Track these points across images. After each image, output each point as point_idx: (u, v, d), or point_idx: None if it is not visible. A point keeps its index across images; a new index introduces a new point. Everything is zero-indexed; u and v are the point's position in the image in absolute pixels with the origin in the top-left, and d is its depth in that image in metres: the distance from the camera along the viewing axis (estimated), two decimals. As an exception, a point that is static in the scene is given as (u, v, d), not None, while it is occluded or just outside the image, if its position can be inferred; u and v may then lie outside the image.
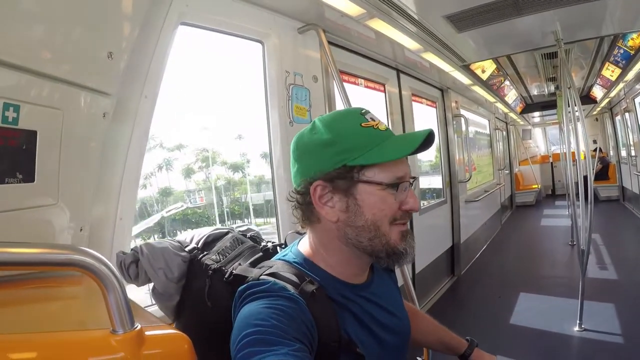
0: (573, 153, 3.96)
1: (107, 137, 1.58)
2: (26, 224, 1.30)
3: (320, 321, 0.96)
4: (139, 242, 1.71)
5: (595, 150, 11.49)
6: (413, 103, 4.76)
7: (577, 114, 3.86)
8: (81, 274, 0.78)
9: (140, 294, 1.58)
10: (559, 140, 8.83)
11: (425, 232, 4.73)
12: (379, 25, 3.01)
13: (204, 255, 1.34)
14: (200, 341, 0.94)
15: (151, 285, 1.36)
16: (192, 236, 1.45)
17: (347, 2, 2.52)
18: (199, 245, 1.39)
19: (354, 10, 2.66)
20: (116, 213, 1.70)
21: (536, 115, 12.42)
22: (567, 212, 7.94)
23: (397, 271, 2.37)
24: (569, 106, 3.95)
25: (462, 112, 6.25)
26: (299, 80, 2.64)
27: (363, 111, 1.10)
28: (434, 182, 5.81)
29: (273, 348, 0.79)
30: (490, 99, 7.60)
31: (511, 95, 8.36)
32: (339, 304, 1.06)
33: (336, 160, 1.03)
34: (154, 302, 1.41)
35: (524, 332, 3.84)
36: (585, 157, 3.88)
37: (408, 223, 1.11)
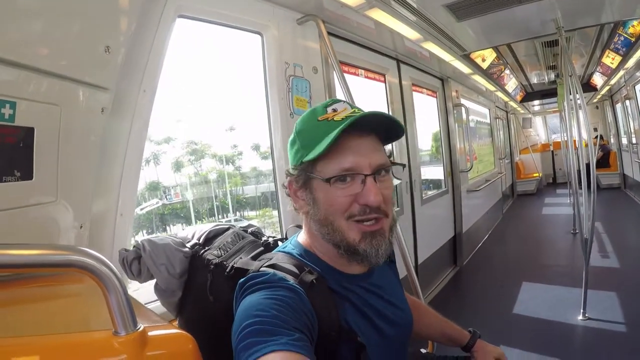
0: (575, 141, 3.94)
1: (106, 132, 1.56)
2: (25, 222, 1.29)
3: (320, 311, 0.97)
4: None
5: (596, 137, 11.45)
6: (413, 93, 4.74)
7: (578, 101, 3.83)
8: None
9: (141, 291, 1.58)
10: (560, 128, 8.81)
11: (427, 222, 4.71)
12: (379, 15, 2.98)
13: (205, 251, 1.35)
14: (203, 336, 0.94)
15: (154, 281, 1.37)
16: (194, 232, 1.46)
17: (346, -8, 2.49)
18: (200, 241, 1.40)
19: (353, 0, 2.63)
20: (116, 209, 1.70)
21: (536, 104, 12.40)
22: (569, 201, 7.96)
23: (400, 262, 2.39)
24: (570, 94, 3.92)
25: (463, 101, 6.23)
26: (298, 71, 2.62)
27: (329, 103, 1.11)
28: (430, 172, 5.79)
29: (273, 338, 0.80)
30: (491, 87, 7.57)
31: (511, 84, 8.33)
32: (339, 294, 1.07)
33: (297, 158, 1.09)
34: (156, 298, 1.42)
35: (527, 321, 3.82)
36: (587, 145, 3.86)
37: (386, 222, 1.08)
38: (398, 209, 4.08)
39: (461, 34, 4.04)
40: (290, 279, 0.99)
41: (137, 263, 1.34)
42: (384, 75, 4.12)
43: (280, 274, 1.01)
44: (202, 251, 1.35)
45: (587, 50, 6.42)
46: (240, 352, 0.80)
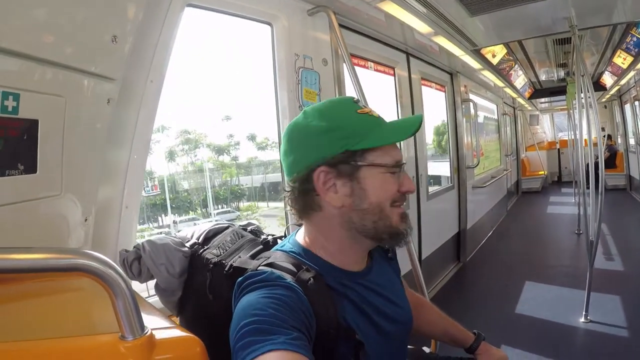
0: (585, 140, 3.90)
1: (112, 124, 1.54)
2: (30, 216, 1.28)
3: (318, 309, 0.97)
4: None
5: (604, 137, 11.40)
6: (422, 87, 4.71)
7: (589, 100, 3.80)
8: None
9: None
10: (568, 126, 8.76)
11: (432, 217, 4.70)
12: (390, 7, 2.96)
13: (204, 250, 1.36)
14: (203, 334, 0.93)
15: (154, 281, 1.39)
16: (193, 232, 1.47)
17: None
18: (199, 240, 1.42)
19: (366, -9, 2.60)
20: (122, 202, 1.69)
21: (544, 101, 12.33)
22: (574, 200, 7.92)
23: (406, 258, 2.37)
24: (581, 92, 3.88)
25: (471, 96, 6.20)
26: (308, 63, 2.59)
27: (355, 99, 1.15)
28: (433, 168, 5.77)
29: (271, 337, 0.80)
30: (500, 83, 7.54)
31: (520, 80, 8.28)
32: (337, 291, 1.07)
33: (338, 146, 1.06)
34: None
35: (529, 321, 3.81)
36: (597, 145, 3.83)
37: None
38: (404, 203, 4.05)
39: (472, 29, 4.01)
40: (288, 278, 0.99)
41: (137, 263, 1.36)
42: (393, 69, 4.09)
43: (277, 272, 1.01)
44: (201, 250, 1.37)
45: (598, 49, 6.36)
46: (238, 351, 0.80)
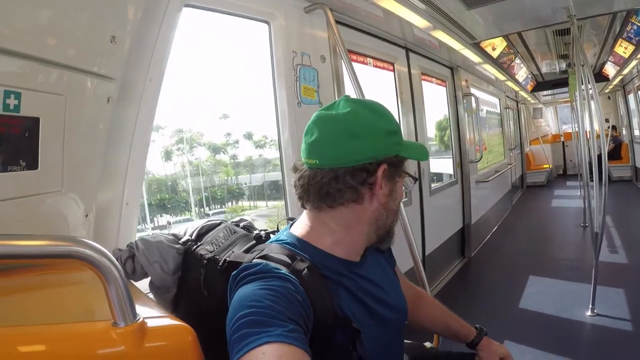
0: (587, 132, 3.89)
1: (112, 122, 1.56)
2: (31, 211, 1.29)
3: (314, 299, 0.98)
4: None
5: (609, 128, 11.33)
6: (423, 82, 4.70)
7: (590, 92, 3.79)
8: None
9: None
10: (571, 119, 8.72)
11: (435, 213, 4.70)
12: (387, 2, 2.96)
13: (198, 246, 1.37)
14: (199, 330, 0.94)
15: (148, 279, 1.40)
16: (186, 229, 1.49)
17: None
18: (192, 237, 1.43)
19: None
20: (122, 198, 1.70)
21: (547, 94, 12.27)
22: (579, 193, 7.89)
23: (408, 253, 2.37)
24: (582, 84, 3.87)
25: (473, 90, 6.18)
26: (306, 60, 2.60)
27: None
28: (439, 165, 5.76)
29: (267, 329, 0.80)
30: (501, 77, 7.51)
31: (522, 73, 8.25)
32: (332, 280, 1.08)
33: (394, 149, 1.11)
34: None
35: (535, 316, 3.79)
36: (599, 136, 3.82)
37: None
38: (406, 199, 4.06)
39: (471, 22, 4.00)
40: (283, 269, 1.00)
41: (131, 262, 1.38)
42: (392, 64, 4.09)
43: (272, 264, 1.02)
44: (194, 247, 1.38)
45: (599, 39, 6.32)
46: (234, 343, 0.81)
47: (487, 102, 7.89)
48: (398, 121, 1.25)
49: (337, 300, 1.05)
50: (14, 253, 0.72)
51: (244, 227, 1.46)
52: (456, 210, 5.63)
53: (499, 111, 8.94)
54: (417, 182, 4.26)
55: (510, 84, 8.69)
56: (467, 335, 1.51)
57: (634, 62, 6.97)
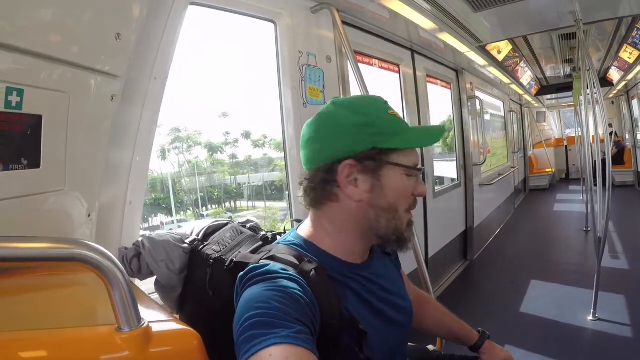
0: (593, 137, 3.88)
1: (116, 120, 1.54)
2: (33, 210, 1.28)
3: (321, 300, 0.97)
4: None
5: (610, 134, 11.32)
6: (428, 84, 4.69)
7: (595, 96, 3.78)
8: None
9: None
10: (575, 123, 8.72)
11: (439, 215, 4.69)
12: (394, 3, 2.96)
13: (204, 246, 1.37)
14: (204, 330, 0.94)
15: (154, 278, 1.40)
16: (193, 228, 1.49)
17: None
18: (199, 237, 1.43)
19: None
20: (125, 197, 1.69)
21: (551, 98, 12.27)
22: (581, 197, 7.88)
23: (411, 255, 2.36)
24: (587, 88, 3.86)
25: (477, 93, 6.18)
26: (312, 60, 2.59)
27: (384, 101, 1.16)
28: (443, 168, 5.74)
29: (275, 331, 0.80)
30: (506, 80, 7.51)
31: (526, 77, 8.25)
32: (339, 282, 1.07)
33: (368, 142, 1.07)
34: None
35: (536, 320, 3.78)
36: (603, 141, 3.81)
37: None
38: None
39: (477, 25, 4.00)
40: (291, 270, 0.99)
41: (136, 260, 1.39)
42: (398, 66, 4.07)
43: (279, 265, 1.01)
44: (201, 247, 1.38)
45: (604, 45, 6.32)
46: (242, 344, 0.80)
47: (492, 105, 7.89)
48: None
49: (344, 301, 1.04)
50: (16, 256, 0.71)
51: (250, 228, 1.46)
52: (459, 212, 5.63)
53: (502, 114, 8.95)
54: (424, 176, 4.26)
55: (514, 87, 8.69)
56: (470, 339, 1.51)
57: (638, 68, 6.97)
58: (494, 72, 6.50)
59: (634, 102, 9.92)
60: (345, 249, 1.13)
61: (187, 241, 1.41)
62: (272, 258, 1.06)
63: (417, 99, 4.36)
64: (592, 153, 3.93)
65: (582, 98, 4.10)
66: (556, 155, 13.49)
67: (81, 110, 1.35)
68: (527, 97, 10.74)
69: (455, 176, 5.66)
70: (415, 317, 1.32)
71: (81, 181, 1.42)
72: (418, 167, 1.13)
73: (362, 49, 3.44)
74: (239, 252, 1.25)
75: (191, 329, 0.90)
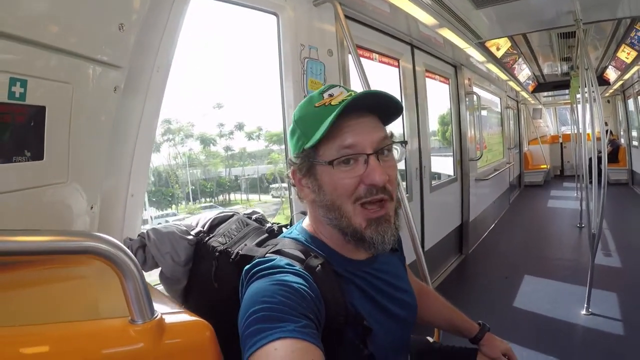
0: (588, 134, 3.90)
1: (119, 112, 1.53)
2: (36, 203, 1.27)
3: (327, 296, 0.97)
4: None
5: (606, 132, 11.37)
6: (426, 79, 4.70)
7: (593, 95, 3.79)
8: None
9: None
10: (571, 120, 8.75)
11: (435, 209, 4.73)
12: (396, -2, 2.94)
13: (210, 238, 1.37)
14: (209, 322, 0.93)
15: (159, 269, 1.39)
16: (198, 220, 1.49)
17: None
18: (204, 229, 1.43)
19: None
20: (127, 189, 1.69)
21: (547, 95, 12.31)
22: (576, 194, 7.93)
23: (410, 248, 2.37)
24: (585, 87, 3.87)
25: (475, 89, 6.20)
26: (314, 54, 2.58)
27: (325, 89, 1.11)
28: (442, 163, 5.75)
29: (280, 325, 0.80)
30: (503, 76, 7.54)
31: (524, 73, 8.27)
32: (344, 277, 1.07)
33: (298, 146, 1.09)
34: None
35: (530, 314, 3.82)
36: (600, 139, 3.83)
37: (390, 206, 1.08)
38: (407, 195, 4.06)
39: (477, 22, 4.01)
40: (297, 265, 1.00)
41: (142, 252, 1.38)
42: (397, 60, 4.08)
43: (286, 259, 1.02)
44: (206, 238, 1.38)
45: (602, 44, 6.34)
46: (247, 338, 0.80)
47: (489, 101, 7.91)
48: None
49: (349, 297, 1.04)
50: (29, 249, 0.70)
51: (256, 220, 1.46)
52: (455, 207, 5.66)
53: (499, 110, 8.96)
54: (423, 172, 4.27)
55: (512, 83, 8.73)
56: (470, 331, 1.53)
57: (635, 68, 7.02)
58: (492, 69, 6.52)
59: (630, 102, 9.95)
60: (341, 245, 1.13)
61: (192, 233, 1.41)
62: (278, 252, 1.06)
63: (415, 94, 4.37)
64: (587, 150, 3.95)
65: (579, 96, 4.12)
66: (551, 152, 13.56)
67: (84, 101, 1.35)
68: (523, 93, 10.78)
69: (451, 171, 5.67)
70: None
71: (84, 173, 1.41)
72: (357, 151, 1.02)
73: (363, 43, 3.44)
74: (245, 245, 1.25)
75: (203, 320, 0.90)
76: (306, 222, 1.20)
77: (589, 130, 3.89)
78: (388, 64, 3.93)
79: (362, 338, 1.02)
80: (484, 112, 7.01)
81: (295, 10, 2.47)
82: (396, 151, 1.11)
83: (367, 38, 3.49)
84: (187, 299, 1.41)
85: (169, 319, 0.85)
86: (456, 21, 3.80)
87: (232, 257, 1.21)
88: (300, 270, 0.98)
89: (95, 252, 0.74)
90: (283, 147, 2.67)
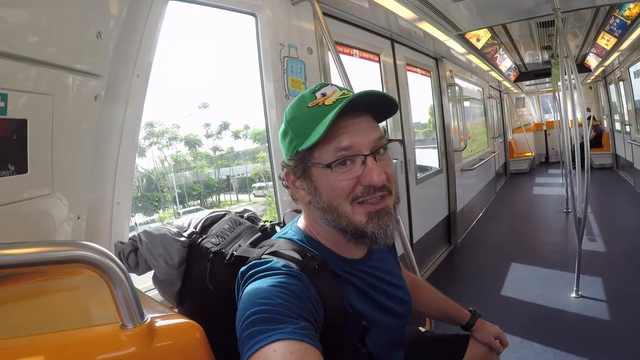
0: (571, 121, 3.94)
1: (100, 120, 1.54)
2: (22, 216, 1.27)
3: (325, 296, 0.97)
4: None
5: (589, 118, 11.47)
6: (408, 73, 4.71)
7: (573, 82, 3.83)
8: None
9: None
10: (553, 108, 8.82)
11: (421, 201, 4.76)
12: (373, -6, 2.95)
13: (203, 239, 1.35)
14: (204, 324, 0.94)
15: (152, 273, 1.37)
16: (190, 220, 1.46)
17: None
18: (197, 229, 1.40)
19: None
20: (113, 198, 1.68)
21: (530, 84, 12.38)
22: (561, 180, 8.00)
23: (397, 240, 2.38)
24: (565, 74, 3.91)
25: (457, 81, 6.21)
26: (293, 52, 2.59)
27: (317, 88, 1.09)
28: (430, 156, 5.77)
29: (278, 327, 0.80)
30: (485, 67, 7.57)
31: (505, 63, 8.31)
32: (341, 277, 1.07)
33: (292, 148, 1.06)
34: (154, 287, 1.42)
35: (521, 300, 3.86)
36: (582, 125, 3.87)
37: (390, 200, 1.08)
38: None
39: (456, 14, 4.02)
40: (294, 266, 0.99)
41: (134, 255, 1.35)
42: (378, 55, 4.09)
43: (283, 261, 1.01)
44: (199, 240, 1.36)
45: (582, 31, 6.39)
46: (245, 340, 0.80)
47: (471, 91, 7.94)
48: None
49: (347, 297, 1.05)
50: (15, 262, 0.71)
51: (248, 218, 1.45)
52: (442, 198, 5.69)
53: (482, 101, 9.00)
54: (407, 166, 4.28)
55: (493, 74, 8.75)
56: (462, 318, 1.56)
57: (615, 54, 7.08)
58: (473, 60, 6.54)
59: (612, 87, 10.04)
60: (337, 245, 1.13)
61: (185, 234, 1.39)
62: (274, 254, 1.05)
63: (397, 88, 4.38)
64: (570, 137, 3.99)
65: (560, 84, 4.15)
66: (535, 140, 13.68)
67: (65, 111, 1.35)
68: (506, 83, 10.82)
69: (436, 163, 5.69)
70: None
71: (69, 184, 1.41)
72: (354, 152, 1.01)
73: (343, 40, 3.44)
74: (239, 245, 1.25)
75: (193, 322, 0.91)
76: (301, 222, 1.19)
77: (570, 117, 3.93)
78: (369, 59, 3.94)
79: (360, 337, 1.03)
80: (466, 103, 7.04)
81: (273, 10, 2.47)
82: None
83: (346, 34, 3.49)
84: (182, 301, 1.39)
85: (159, 323, 0.86)
86: (435, 14, 3.81)
87: (227, 258, 1.20)
88: (298, 271, 0.97)
89: (83, 260, 0.75)
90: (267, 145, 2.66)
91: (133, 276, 1.41)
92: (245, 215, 1.48)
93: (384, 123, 1.15)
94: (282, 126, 1.10)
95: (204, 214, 1.48)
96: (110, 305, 0.80)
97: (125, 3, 1.54)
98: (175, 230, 1.41)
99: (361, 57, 3.79)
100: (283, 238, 1.15)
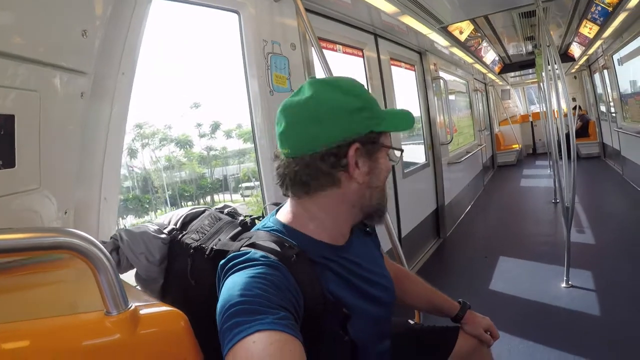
0: (555, 111, 3.97)
1: (87, 117, 1.55)
2: (9, 210, 1.28)
3: (304, 285, 0.98)
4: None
5: (574, 108, 11.53)
6: (392, 67, 4.73)
7: (557, 72, 3.87)
8: (69, 257, 0.78)
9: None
10: (538, 99, 8.86)
11: (409, 195, 4.76)
12: (355, -12, 2.97)
13: (183, 235, 1.36)
14: (188, 319, 0.95)
15: (134, 271, 1.38)
16: (170, 217, 1.47)
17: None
18: (177, 226, 1.41)
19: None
20: (100, 193, 1.69)
21: (514, 75, 12.43)
22: (549, 172, 8.05)
23: (385, 234, 2.41)
24: (548, 64, 3.95)
25: (441, 74, 6.23)
26: (277, 49, 2.60)
27: (359, 84, 1.15)
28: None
29: (258, 317, 0.81)
30: (469, 60, 7.59)
31: (489, 55, 8.34)
32: (320, 265, 1.08)
33: (366, 125, 1.08)
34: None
35: (512, 291, 3.87)
36: (567, 115, 3.90)
37: None
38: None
39: (438, 7, 4.04)
40: (272, 256, 0.99)
41: (115, 254, 1.36)
42: (362, 50, 4.11)
43: (261, 252, 1.01)
44: (180, 236, 1.36)
45: (564, 21, 6.41)
46: (226, 332, 0.81)
47: (456, 85, 7.97)
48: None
49: (326, 284, 1.05)
50: (2, 247, 0.72)
51: (228, 214, 1.46)
52: (429, 192, 5.70)
53: (467, 93, 9.04)
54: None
55: (478, 66, 8.76)
56: (451, 310, 1.56)
57: (598, 42, 7.10)
58: (457, 53, 6.56)
59: (596, 76, 10.09)
60: (332, 231, 1.14)
61: (165, 231, 1.39)
62: (252, 245, 1.05)
63: (382, 83, 4.40)
64: (556, 127, 4.03)
65: (544, 74, 4.18)
66: (522, 131, 13.72)
67: (52, 108, 1.36)
68: (491, 75, 10.84)
69: (423, 157, 5.70)
70: (396, 293, 1.35)
71: (56, 179, 1.43)
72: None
73: (326, 35, 3.46)
74: (219, 240, 1.25)
75: (178, 310, 0.92)
76: (281, 213, 1.19)
77: (555, 108, 3.96)
78: (352, 54, 3.95)
79: (342, 325, 1.04)
80: (452, 97, 7.07)
81: (256, 7, 2.48)
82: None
83: (330, 30, 3.51)
84: (165, 297, 1.37)
85: (143, 310, 0.88)
86: (417, 7, 3.82)
87: (207, 253, 1.21)
88: (276, 262, 0.97)
89: (68, 247, 0.76)
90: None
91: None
92: (225, 210, 1.49)
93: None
94: (355, 101, 1.07)
95: (184, 210, 1.48)
96: (97, 296, 0.81)
97: (109, 1, 1.56)
98: (155, 227, 1.41)
99: (345, 53, 3.80)
100: (262, 230, 1.15)
